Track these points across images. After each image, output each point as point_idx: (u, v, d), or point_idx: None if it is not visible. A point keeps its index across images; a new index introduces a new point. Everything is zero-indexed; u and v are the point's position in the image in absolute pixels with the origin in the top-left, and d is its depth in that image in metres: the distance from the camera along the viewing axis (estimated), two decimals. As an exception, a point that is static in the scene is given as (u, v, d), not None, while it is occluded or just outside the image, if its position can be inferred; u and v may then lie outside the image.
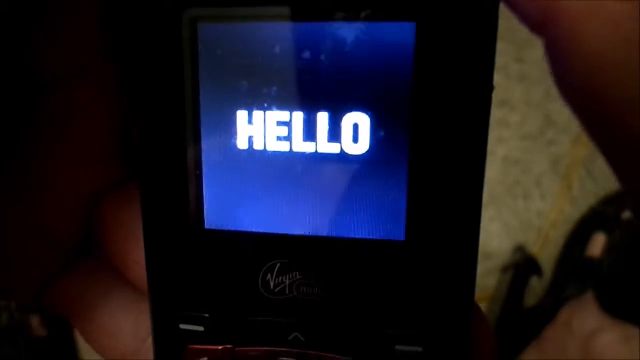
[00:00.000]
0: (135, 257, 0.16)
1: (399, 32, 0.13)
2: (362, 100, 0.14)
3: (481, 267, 0.16)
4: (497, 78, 0.13)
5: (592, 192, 0.57)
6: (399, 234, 0.14)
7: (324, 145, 0.14)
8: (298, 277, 0.15)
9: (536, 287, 0.56)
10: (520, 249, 0.58)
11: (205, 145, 0.14)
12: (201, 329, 0.16)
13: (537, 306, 0.55)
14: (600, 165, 0.57)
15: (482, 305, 0.15)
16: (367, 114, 0.14)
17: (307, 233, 0.15)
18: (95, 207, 0.18)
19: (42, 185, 0.17)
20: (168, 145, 0.15)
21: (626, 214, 0.52)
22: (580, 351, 0.47)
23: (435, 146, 0.13)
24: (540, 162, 0.59)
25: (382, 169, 0.14)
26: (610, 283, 0.50)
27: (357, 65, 0.13)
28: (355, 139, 0.14)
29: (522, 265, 0.56)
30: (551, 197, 0.58)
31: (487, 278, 0.56)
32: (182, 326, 0.16)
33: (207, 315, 0.15)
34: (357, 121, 0.14)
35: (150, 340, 0.17)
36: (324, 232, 0.14)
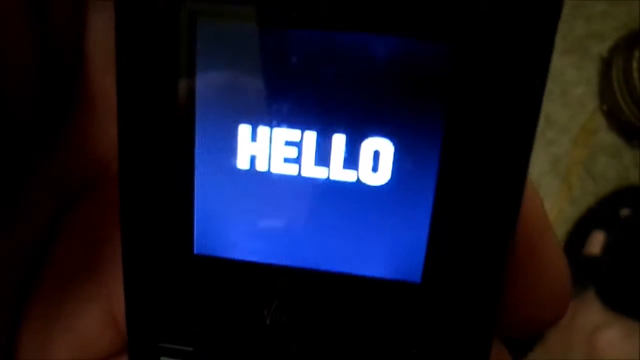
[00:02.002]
0: None
1: (433, 52, 0.11)
2: (385, 125, 0.12)
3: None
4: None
5: (592, 192, 0.57)
6: (416, 276, 0.13)
7: (338, 172, 0.12)
8: (299, 315, 0.13)
9: (536, 286, 0.57)
10: (520, 249, 0.58)
11: (199, 160, 0.12)
12: None
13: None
14: (600, 165, 0.58)
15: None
16: (390, 140, 0.12)
17: (310, 267, 0.13)
18: None
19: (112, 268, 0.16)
20: (154, 154, 0.13)
21: (624, 212, 0.53)
22: (585, 348, 0.48)
23: (466, 183, 0.12)
24: (540, 162, 0.59)
25: (402, 203, 0.12)
26: (611, 279, 0.51)
27: (383, 84, 0.12)
28: (375, 168, 0.12)
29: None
30: (551, 197, 0.59)
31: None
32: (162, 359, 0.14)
33: (191, 348, 0.14)
34: (379, 148, 0.12)
35: None
36: (329, 267, 0.13)
